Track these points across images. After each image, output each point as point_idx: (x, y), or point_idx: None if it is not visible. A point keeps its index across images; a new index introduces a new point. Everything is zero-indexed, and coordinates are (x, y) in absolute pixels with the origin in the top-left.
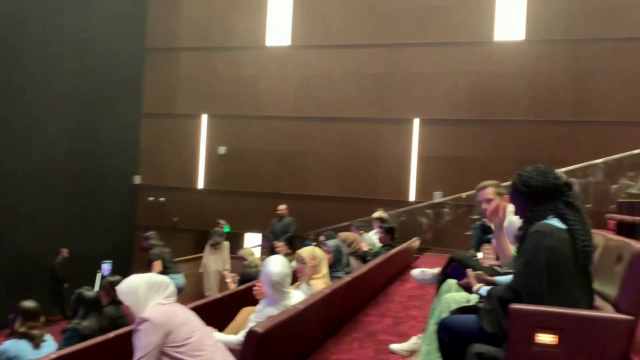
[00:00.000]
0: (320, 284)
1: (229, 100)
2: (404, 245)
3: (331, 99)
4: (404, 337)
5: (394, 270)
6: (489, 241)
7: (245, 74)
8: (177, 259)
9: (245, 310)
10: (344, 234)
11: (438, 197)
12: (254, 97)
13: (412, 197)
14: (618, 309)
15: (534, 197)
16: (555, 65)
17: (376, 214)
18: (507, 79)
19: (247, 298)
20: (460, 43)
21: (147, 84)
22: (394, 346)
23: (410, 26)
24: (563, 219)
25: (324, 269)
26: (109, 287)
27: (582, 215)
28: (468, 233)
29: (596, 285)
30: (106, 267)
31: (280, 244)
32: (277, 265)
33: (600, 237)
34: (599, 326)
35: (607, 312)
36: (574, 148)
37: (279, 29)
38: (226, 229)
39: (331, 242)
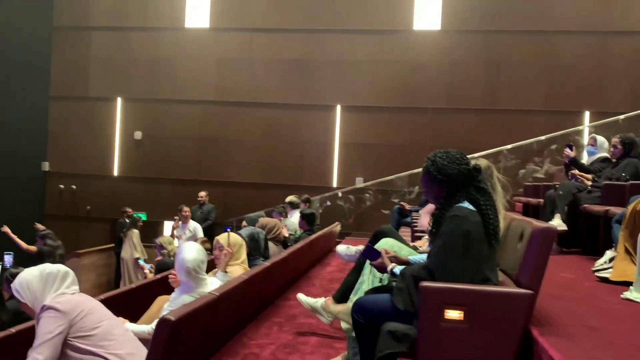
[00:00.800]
0: (239, 270)
1: (145, 83)
2: (326, 230)
3: (252, 84)
4: None
5: (315, 255)
6: (407, 224)
7: (162, 56)
8: (90, 249)
9: (160, 299)
10: (264, 220)
11: (359, 183)
12: (171, 80)
13: (334, 183)
14: (519, 284)
15: (448, 183)
16: (470, 55)
17: (288, 199)
18: (425, 67)
19: (164, 287)
20: (381, 31)
21: (55, 65)
22: (300, 295)
23: (332, 13)
24: (475, 203)
25: (243, 255)
26: (11, 280)
27: (491, 198)
28: (388, 213)
29: (501, 262)
30: (8, 258)
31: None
32: (192, 251)
33: (507, 217)
34: (501, 301)
35: (509, 287)
36: (487, 135)
37: (198, 10)
38: (142, 216)
39: (245, 231)
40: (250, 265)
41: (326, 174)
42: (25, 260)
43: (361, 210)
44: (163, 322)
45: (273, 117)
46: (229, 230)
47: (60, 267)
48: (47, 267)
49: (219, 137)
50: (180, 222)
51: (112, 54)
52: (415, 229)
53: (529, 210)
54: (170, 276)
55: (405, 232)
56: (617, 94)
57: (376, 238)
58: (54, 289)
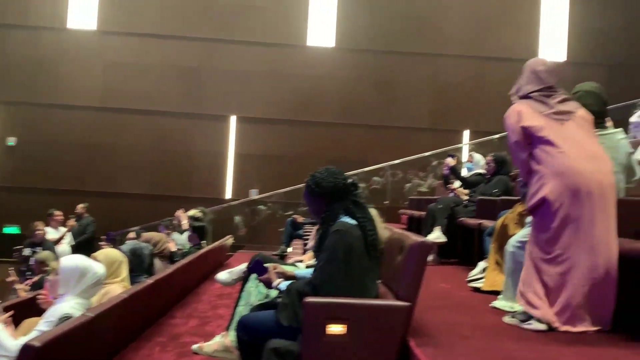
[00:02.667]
0: (118, 288)
1: (22, 86)
2: (216, 243)
3: (142, 91)
4: (210, 337)
5: (205, 270)
6: (299, 237)
7: (43, 57)
8: None
9: (27, 323)
10: (147, 234)
11: (254, 195)
12: (52, 83)
13: (228, 194)
14: (397, 297)
15: (326, 196)
16: (362, 73)
17: (191, 213)
18: (320, 82)
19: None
20: (277, 44)
21: None
22: (195, 346)
23: (228, 22)
24: (353, 217)
25: (123, 273)
26: None
27: (368, 212)
28: (282, 229)
29: (382, 275)
30: None
31: None
32: (73, 259)
33: (387, 231)
34: (381, 313)
35: (389, 299)
36: (377, 150)
37: (83, 10)
38: (13, 230)
39: (127, 245)
40: (132, 283)
41: (219, 185)
42: None
43: (255, 222)
44: (27, 349)
45: (164, 125)
46: (106, 245)
47: None
48: None
49: (106, 145)
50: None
51: None
52: (307, 240)
53: (413, 223)
54: (39, 296)
55: (297, 244)
56: (493, 114)
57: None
58: None
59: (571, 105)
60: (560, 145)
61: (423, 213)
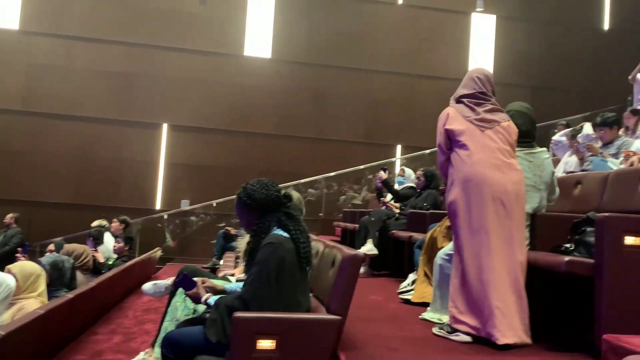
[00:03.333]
0: (34, 304)
1: None
2: (144, 255)
3: (68, 95)
4: (135, 354)
5: (131, 283)
6: (231, 249)
7: None
8: None
9: None
10: (70, 246)
11: (185, 206)
12: None
13: (158, 205)
14: (328, 310)
15: (258, 208)
16: (298, 85)
17: (94, 224)
18: (256, 93)
19: None
20: (212, 53)
21: None
22: None
23: (162, 28)
24: (286, 229)
25: (40, 287)
26: None
27: (301, 224)
28: (214, 241)
29: (315, 289)
30: None
31: None
32: None
33: (320, 244)
34: (311, 327)
35: (320, 313)
36: (312, 162)
37: (4, 9)
38: None
39: (47, 258)
40: (50, 298)
41: (149, 195)
42: None
43: (186, 234)
44: None
45: (91, 132)
46: (23, 258)
47: None
48: None
49: (28, 151)
50: None
51: None
52: (239, 253)
53: (347, 235)
54: None
55: (229, 257)
56: (424, 130)
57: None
58: None
59: (499, 116)
60: (473, 151)
61: (356, 225)
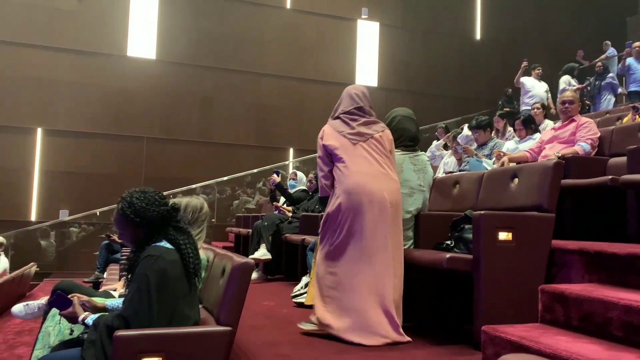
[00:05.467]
0: None
1: None
2: (17, 272)
3: None
4: None
5: (0, 304)
6: (116, 261)
7: None
8: None
9: None
10: None
11: (64, 216)
12: None
13: (33, 216)
14: (218, 321)
15: (146, 226)
16: (184, 87)
17: None
18: (140, 95)
19: None
20: (92, 53)
21: None
22: None
23: (32, 26)
24: (174, 243)
25: None
26: None
27: (190, 235)
28: (97, 253)
29: (205, 299)
30: None
31: None
32: None
33: (210, 252)
34: (199, 340)
35: (209, 325)
36: (201, 167)
37: None
38: None
39: None
40: None
41: (22, 205)
42: None
43: (65, 247)
44: None
45: None
46: None
47: None
48: None
49: None
50: None
51: None
52: (123, 265)
53: (240, 240)
54: None
55: (113, 270)
56: (314, 134)
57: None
58: None
59: (373, 128)
60: (349, 164)
61: (250, 230)
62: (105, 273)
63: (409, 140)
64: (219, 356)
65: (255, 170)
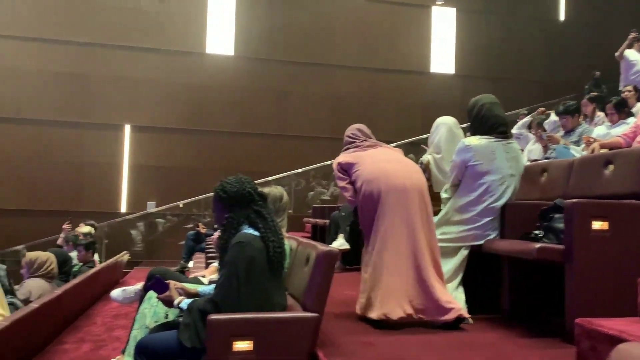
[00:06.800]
0: None
1: None
2: (111, 260)
3: (20, 98)
4: None
5: (98, 290)
6: (201, 250)
7: None
8: None
9: None
10: (32, 254)
11: (151, 208)
12: None
13: (123, 208)
14: (304, 308)
15: (229, 202)
16: (260, 82)
17: (86, 230)
18: (218, 91)
19: None
20: (174, 52)
21: None
22: None
23: (118, 28)
24: (255, 227)
25: None
26: None
27: (270, 223)
28: (182, 243)
29: (290, 287)
30: None
31: None
32: None
33: (294, 241)
34: (288, 326)
35: (296, 311)
36: (277, 159)
37: None
38: None
39: None
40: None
41: (113, 198)
42: None
43: (153, 237)
44: None
45: (47, 135)
46: None
47: None
48: None
49: None
50: None
51: None
52: (209, 253)
53: (317, 231)
54: None
55: (199, 258)
56: (388, 123)
57: (150, 279)
58: None
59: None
60: (365, 162)
61: (326, 221)
62: (191, 262)
63: (501, 127)
64: (306, 342)
65: (330, 162)
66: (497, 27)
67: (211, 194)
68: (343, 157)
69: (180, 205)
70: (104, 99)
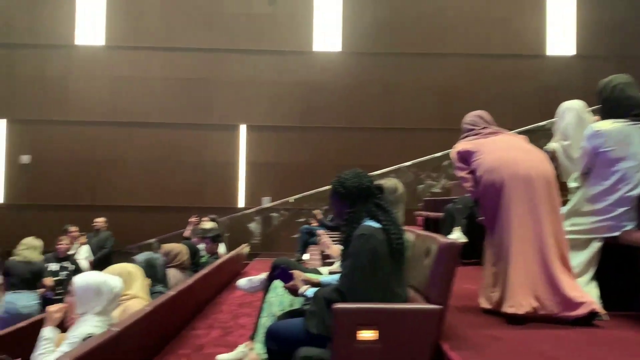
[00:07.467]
0: (135, 301)
1: (32, 104)
2: (233, 252)
3: (149, 104)
4: (233, 347)
5: (223, 279)
6: (315, 243)
7: (52, 74)
8: None
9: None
10: (168, 246)
11: (267, 203)
12: (61, 100)
13: (240, 203)
14: (428, 300)
15: (349, 197)
16: (367, 75)
17: (209, 225)
18: (326, 87)
19: None
20: (282, 52)
21: None
22: (220, 356)
23: (233, 31)
24: (377, 220)
25: (138, 284)
26: None
27: (391, 215)
28: (295, 236)
29: (409, 278)
30: None
31: None
32: (86, 277)
33: (411, 234)
34: (412, 317)
35: (419, 303)
36: (385, 153)
37: (90, 27)
38: None
39: (141, 256)
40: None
41: (231, 194)
42: None
43: (269, 230)
44: None
45: (173, 137)
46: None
47: None
48: None
49: (115, 159)
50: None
51: None
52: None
53: (430, 224)
54: (57, 311)
55: (314, 251)
56: (502, 111)
57: (274, 269)
58: None
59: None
60: (486, 149)
61: (439, 214)
62: (307, 254)
63: (636, 109)
64: (430, 334)
65: (439, 154)
66: (622, 1)
67: (322, 189)
68: (462, 145)
69: (291, 200)
70: (221, 101)
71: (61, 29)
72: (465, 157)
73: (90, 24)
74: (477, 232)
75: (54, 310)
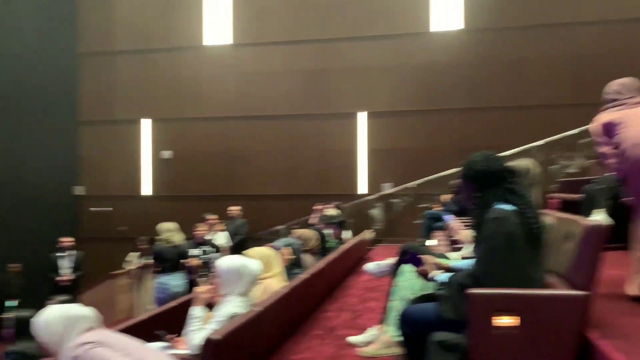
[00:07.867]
0: (274, 282)
1: (170, 103)
2: (357, 238)
3: (273, 97)
4: (363, 330)
5: (349, 264)
6: (440, 229)
7: (185, 75)
8: (121, 270)
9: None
10: (299, 231)
11: (388, 188)
12: (195, 98)
13: (363, 189)
14: (573, 285)
15: (478, 180)
16: (490, 53)
17: (331, 212)
18: (445, 68)
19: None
20: (398, 35)
21: (82, 90)
22: (352, 338)
23: (348, 21)
24: (512, 203)
25: (274, 268)
26: None
27: (526, 199)
28: (418, 222)
29: (547, 263)
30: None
31: None
32: (230, 261)
33: (549, 217)
34: (555, 304)
35: (562, 289)
36: (512, 132)
37: (217, 27)
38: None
39: (281, 242)
40: (290, 277)
41: (352, 181)
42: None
43: (391, 216)
44: (209, 342)
45: (296, 128)
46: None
47: (85, 311)
48: (71, 308)
49: (245, 151)
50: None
51: (137, 76)
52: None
53: (567, 207)
54: (204, 292)
55: (440, 236)
56: None
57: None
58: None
59: None
60: (631, 121)
61: (577, 196)
62: (433, 240)
63: None
64: (575, 321)
65: (576, 131)
66: None
67: (444, 173)
68: (606, 116)
69: (410, 186)
70: (340, 89)
71: (191, 30)
72: (610, 130)
73: (217, 24)
74: (622, 214)
75: (202, 291)
